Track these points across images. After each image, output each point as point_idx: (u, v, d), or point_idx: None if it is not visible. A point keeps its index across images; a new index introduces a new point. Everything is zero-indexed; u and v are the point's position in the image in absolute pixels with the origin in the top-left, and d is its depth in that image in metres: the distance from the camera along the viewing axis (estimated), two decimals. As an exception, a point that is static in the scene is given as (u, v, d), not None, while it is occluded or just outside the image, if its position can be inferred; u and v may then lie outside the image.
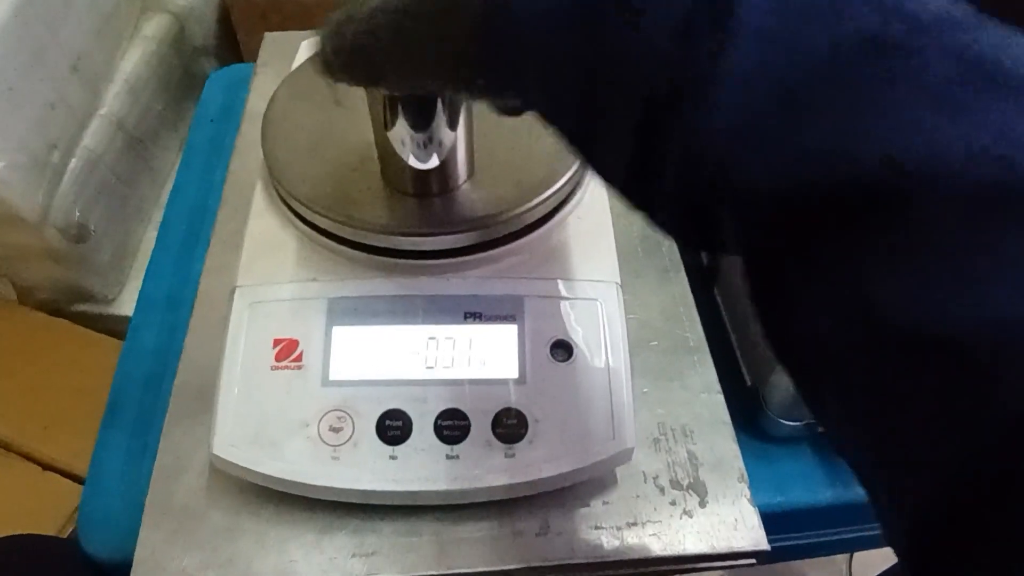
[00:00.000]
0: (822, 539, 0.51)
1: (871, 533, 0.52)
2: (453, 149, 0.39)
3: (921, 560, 0.18)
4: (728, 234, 0.21)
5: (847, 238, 0.18)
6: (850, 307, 0.18)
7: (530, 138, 0.44)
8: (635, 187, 0.23)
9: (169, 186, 1.14)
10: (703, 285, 0.53)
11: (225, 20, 1.21)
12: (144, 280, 0.55)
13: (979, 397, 0.16)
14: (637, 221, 0.53)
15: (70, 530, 0.82)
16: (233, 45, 1.21)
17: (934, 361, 0.17)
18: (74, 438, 0.88)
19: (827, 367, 0.20)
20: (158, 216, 1.12)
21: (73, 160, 0.96)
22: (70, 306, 1.04)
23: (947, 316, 0.16)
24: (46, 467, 0.88)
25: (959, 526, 0.17)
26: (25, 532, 0.80)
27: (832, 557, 1.13)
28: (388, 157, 0.40)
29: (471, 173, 0.42)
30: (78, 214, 0.96)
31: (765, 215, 0.19)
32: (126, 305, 1.05)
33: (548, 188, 0.42)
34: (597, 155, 0.24)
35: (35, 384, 0.94)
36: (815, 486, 0.47)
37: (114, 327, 1.02)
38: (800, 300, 0.20)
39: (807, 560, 0.59)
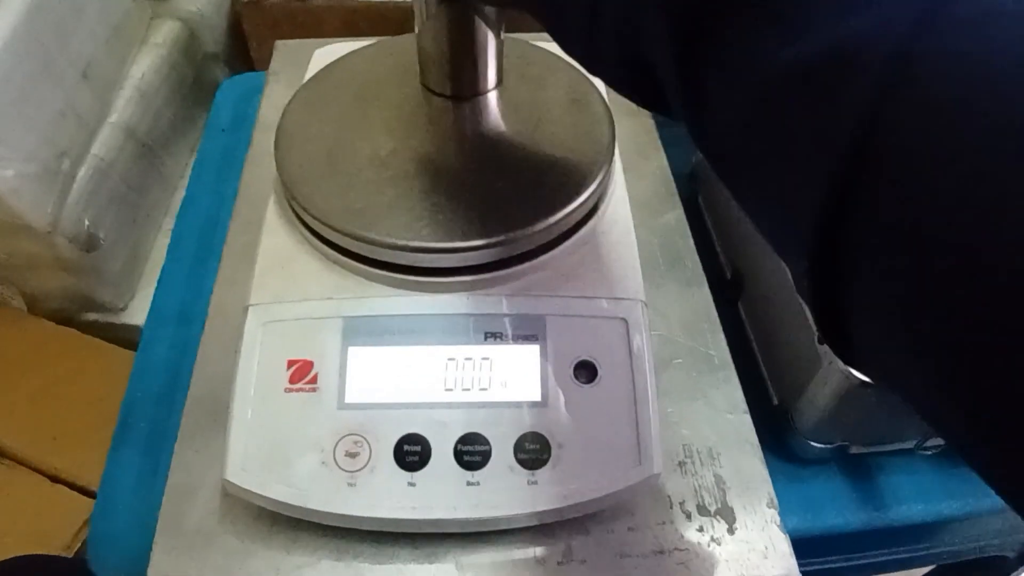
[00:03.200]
0: (853, 563, 0.49)
1: (903, 556, 0.50)
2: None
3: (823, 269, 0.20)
4: (660, 59, 0.24)
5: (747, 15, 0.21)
6: (743, 64, 0.22)
7: (551, 150, 0.43)
8: (589, 48, 0.28)
9: (180, 194, 1.14)
10: (727, 299, 0.52)
11: (236, 27, 1.20)
12: (155, 293, 0.54)
13: (827, 117, 0.19)
14: (658, 234, 0.52)
15: (79, 544, 0.81)
16: (244, 52, 1.20)
17: (799, 91, 0.20)
18: (83, 449, 0.87)
19: (733, 127, 0.23)
20: (169, 224, 1.11)
21: (83, 168, 0.96)
22: (80, 315, 1.04)
23: (808, 47, 0.20)
24: (55, 479, 0.87)
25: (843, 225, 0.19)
26: (34, 544, 0.79)
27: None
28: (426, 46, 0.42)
29: (500, 79, 0.44)
30: (88, 223, 0.95)
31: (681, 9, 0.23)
32: (136, 314, 1.04)
33: (571, 202, 0.40)
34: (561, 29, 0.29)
35: (44, 395, 0.94)
36: (846, 509, 0.46)
37: (124, 336, 1.02)
38: (712, 75, 0.23)
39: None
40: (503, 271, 0.40)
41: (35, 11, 0.86)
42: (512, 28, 0.45)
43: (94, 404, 0.90)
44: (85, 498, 0.85)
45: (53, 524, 0.82)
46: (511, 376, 0.38)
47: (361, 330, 0.38)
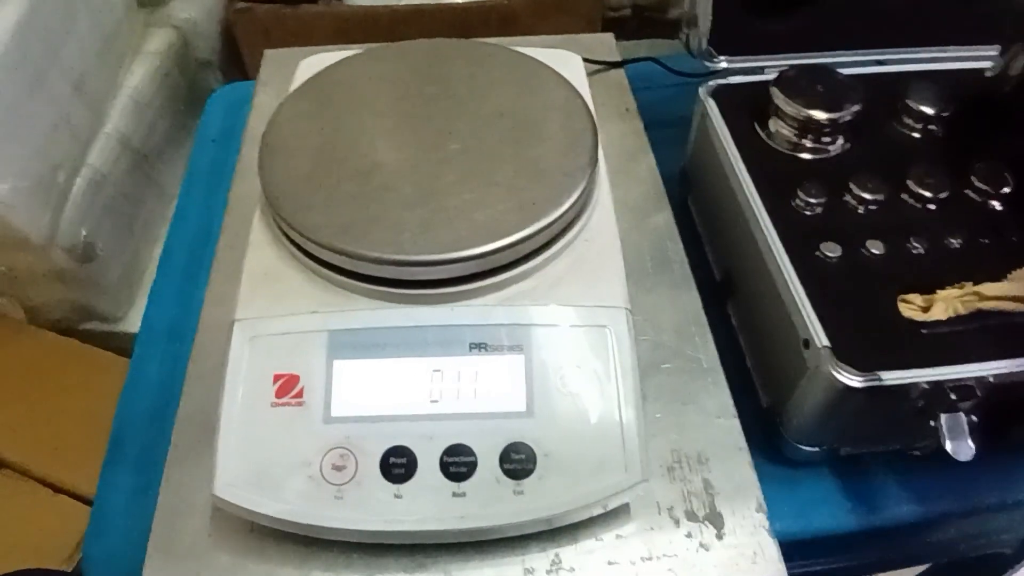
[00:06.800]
0: (844, 564, 0.49)
1: (896, 556, 0.50)
2: None
3: None
4: None
5: None
6: None
7: (535, 160, 0.43)
8: None
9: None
10: (716, 302, 0.52)
11: (229, 34, 1.20)
12: (146, 308, 0.55)
13: None
14: (647, 237, 0.52)
15: (80, 554, 0.81)
16: (237, 59, 1.20)
17: None
18: (84, 460, 0.87)
19: None
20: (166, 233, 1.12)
21: (78, 180, 0.96)
22: (79, 325, 1.04)
23: None
24: (56, 490, 0.88)
25: None
26: (35, 554, 0.79)
27: None
28: None
29: None
30: (84, 234, 0.96)
31: None
32: (135, 323, 1.04)
33: (554, 211, 0.40)
34: None
35: (44, 406, 0.94)
36: (838, 511, 0.46)
37: (123, 345, 1.02)
38: None
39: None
40: (487, 281, 0.40)
41: (25, 26, 0.86)
42: (506, 32, 0.45)
43: (95, 414, 0.90)
44: (86, 507, 0.85)
45: (54, 534, 0.82)
46: (496, 387, 0.38)
47: (346, 343, 0.38)
